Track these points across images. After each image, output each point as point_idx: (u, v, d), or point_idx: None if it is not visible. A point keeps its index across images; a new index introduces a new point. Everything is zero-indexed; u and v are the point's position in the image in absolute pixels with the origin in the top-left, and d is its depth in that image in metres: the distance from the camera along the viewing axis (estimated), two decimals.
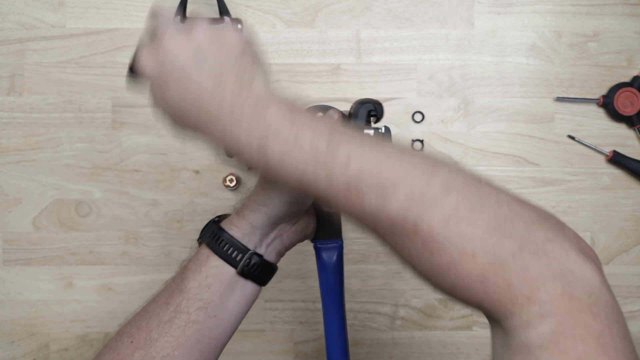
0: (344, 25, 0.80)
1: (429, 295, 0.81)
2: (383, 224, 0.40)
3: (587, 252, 0.37)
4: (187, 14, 0.78)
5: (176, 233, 0.81)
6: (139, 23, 0.80)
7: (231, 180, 0.79)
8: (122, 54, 0.80)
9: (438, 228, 0.37)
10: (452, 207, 0.38)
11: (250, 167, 0.49)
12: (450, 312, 0.81)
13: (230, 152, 0.48)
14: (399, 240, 0.40)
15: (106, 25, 0.80)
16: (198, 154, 0.80)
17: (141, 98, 0.80)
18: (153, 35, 0.50)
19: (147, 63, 0.49)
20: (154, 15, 0.52)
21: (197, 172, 0.81)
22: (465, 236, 0.37)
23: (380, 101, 0.60)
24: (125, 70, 0.51)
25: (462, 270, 0.37)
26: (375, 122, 0.62)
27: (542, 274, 0.35)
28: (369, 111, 0.60)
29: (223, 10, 0.77)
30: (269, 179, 0.59)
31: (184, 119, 0.48)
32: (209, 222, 0.61)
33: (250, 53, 0.51)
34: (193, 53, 0.48)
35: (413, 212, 0.38)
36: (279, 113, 0.45)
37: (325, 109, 0.66)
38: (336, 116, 0.62)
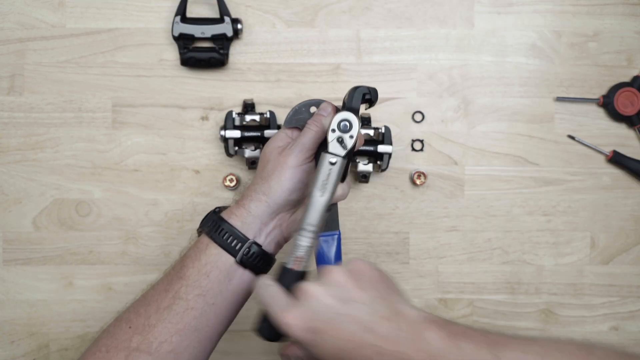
0: (344, 25, 0.80)
1: (429, 295, 0.81)
2: None
3: None
4: (187, 13, 0.78)
5: (176, 233, 0.81)
6: (139, 23, 0.80)
7: (231, 180, 0.79)
8: (122, 54, 0.80)
9: None
10: None
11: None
12: (450, 312, 0.81)
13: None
14: None
15: (106, 25, 0.80)
16: (198, 154, 0.80)
17: (141, 98, 0.80)
18: (296, 295, 0.50)
19: (294, 325, 0.49)
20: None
21: (197, 172, 0.81)
22: None
23: (380, 100, 0.61)
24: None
25: None
26: (369, 106, 0.62)
27: None
28: (363, 94, 0.60)
29: (223, 10, 0.77)
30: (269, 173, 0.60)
31: (347, 357, 0.49)
32: (209, 212, 0.62)
33: (387, 281, 0.53)
34: (339, 299, 0.49)
35: None
36: (436, 333, 0.46)
37: (318, 103, 0.66)
38: (329, 109, 0.63)
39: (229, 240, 0.57)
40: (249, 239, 0.57)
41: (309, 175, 0.60)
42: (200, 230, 0.61)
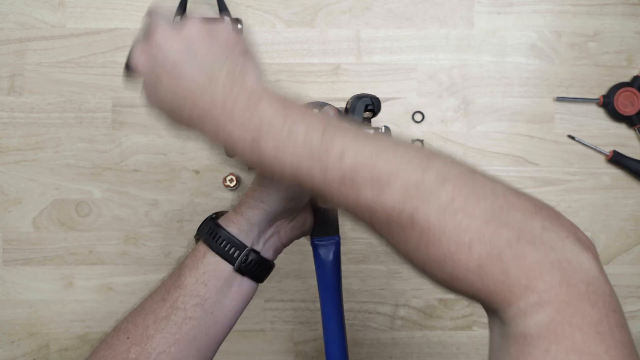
0: (344, 25, 0.80)
1: (429, 295, 0.81)
2: (379, 217, 0.40)
3: (584, 241, 0.37)
4: (187, 13, 0.78)
5: (176, 233, 0.81)
6: (139, 23, 0.79)
7: (231, 180, 0.79)
8: (122, 54, 0.80)
9: (434, 219, 0.37)
10: (448, 198, 0.37)
11: (245, 163, 0.49)
12: (450, 312, 0.81)
13: (224, 147, 0.48)
14: (395, 233, 0.40)
15: (106, 25, 0.80)
16: (198, 154, 0.80)
17: (141, 98, 0.80)
18: (146, 31, 0.50)
19: (140, 59, 0.49)
20: (150, 13, 0.52)
21: (197, 172, 0.81)
22: (462, 227, 0.36)
23: (380, 100, 0.60)
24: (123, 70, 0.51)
25: (459, 262, 0.37)
26: (373, 116, 0.62)
27: (539, 263, 0.34)
28: (366, 105, 0.59)
29: (223, 10, 0.77)
30: (266, 175, 0.59)
31: (177, 116, 0.48)
32: (206, 218, 0.61)
33: (242, 48, 0.50)
34: (184, 48, 0.48)
35: (409, 204, 0.38)
36: (271, 107, 0.44)
37: (321, 105, 0.65)
38: (332, 112, 0.62)
39: (226, 248, 0.57)
40: (246, 247, 0.57)
41: None
42: (197, 237, 0.61)
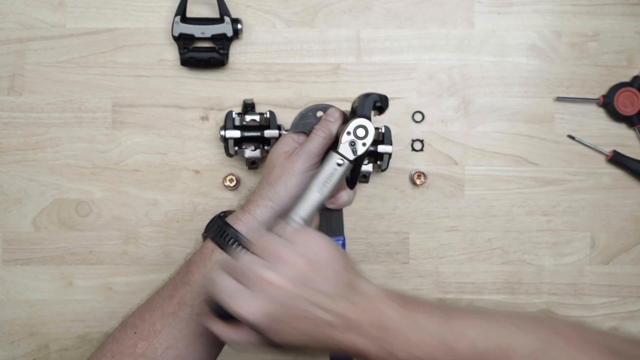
0: (344, 25, 0.80)
1: (429, 295, 0.81)
2: None
3: None
4: (187, 13, 0.78)
5: (176, 233, 0.81)
6: (139, 23, 0.80)
7: (231, 180, 0.79)
8: (122, 54, 0.80)
9: None
10: (569, 349, 0.43)
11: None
12: None
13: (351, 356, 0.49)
14: None
15: (106, 25, 0.80)
16: (198, 154, 0.80)
17: (141, 98, 0.80)
18: (248, 279, 0.49)
19: (251, 312, 0.48)
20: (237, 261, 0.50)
21: (197, 172, 0.81)
22: None
23: (388, 97, 0.60)
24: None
25: None
26: (380, 113, 0.62)
27: None
28: (374, 102, 0.59)
29: (223, 10, 0.77)
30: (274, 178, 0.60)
31: (303, 346, 0.49)
32: (215, 217, 0.61)
33: (343, 257, 0.52)
34: (298, 286, 0.48)
35: None
36: (391, 306, 0.48)
37: (325, 108, 0.66)
38: (337, 114, 0.63)
39: (234, 246, 0.57)
40: None
41: None
42: (205, 235, 0.61)
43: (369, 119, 0.58)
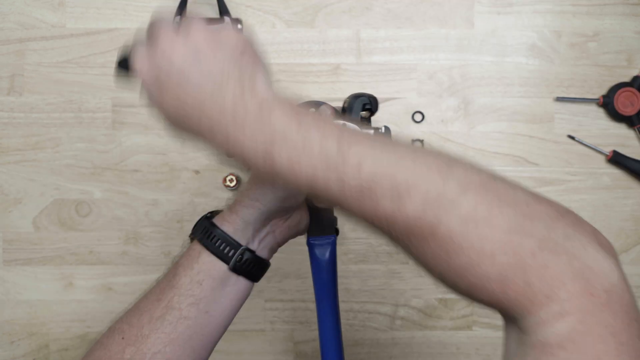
0: (344, 25, 0.80)
1: (429, 295, 0.81)
2: (399, 227, 0.39)
3: (606, 247, 0.36)
4: (187, 14, 0.78)
5: (176, 233, 0.81)
6: (139, 23, 0.80)
7: (231, 180, 0.79)
8: None
9: (456, 229, 0.37)
10: (470, 207, 0.37)
11: (254, 171, 0.48)
12: (450, 312, 0.81)
13: (233, 157, 0.46)
14: (415, 243, 0.39)
15: (106, 25, 0.80)
16: (198, 154, 0.80)
17: (142, 99, 0.80)
18: (150, 36, 0.48)
19: (143, 65, 0.48)
20: (153, 17, 0.51)
21: (197, 172, 0.81)
22: (484, 237, 0.36)
23: (380, 100, 0.60)
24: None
25: (480, 271, 0.36)
26: (370, 115, 0.62)
27: (562, 273, 0.34)
28: (363, 104, 0.59)
29: (223, 10, 0.77)
30: (275, 181, 0.59)
31: (183, 123, 0.47)
32: (201, 218, 0.61)
33: (251, 53, 0.49)
34: (191, 55, 0.46)
35: (430, 214, 0.37)
36: (284, 116, 0.43)
37: (317, 104, 0.65)
38: (329, 111, 0.62)
39: (221, 247, 0.56)
40: (241, 246, 0.57)
41: None
42: (192, 237, 0.61)
43: (358, 122, 0.58)
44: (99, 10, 0.80)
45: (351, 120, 0.57)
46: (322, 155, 0.41)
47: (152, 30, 0.48)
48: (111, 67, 0.80)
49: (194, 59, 0.46)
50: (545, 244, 0.35)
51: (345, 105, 0.60)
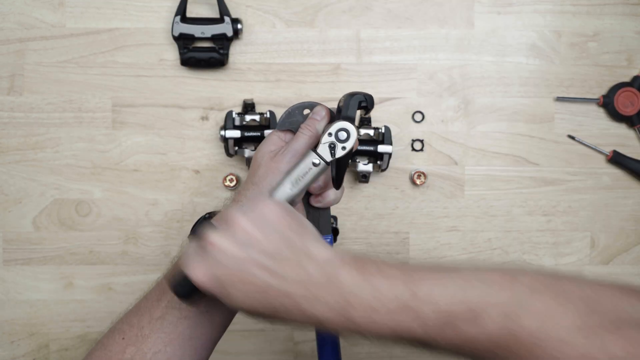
0: (344, 25, 0.80)
1: None
2: (482, 345, 0.41)
3: None
4: (187, 13, 0.78)
5: (176, 233, 0.81)
6: (139, 23, 0.80)
7: (231, 180, 0.79)
8: (122, 54, 0.80)
9: (533, 326, 0.39)
10: (542, 304, 0.40)
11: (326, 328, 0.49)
12: None
13: (311, 325, 0.48)
14: (500, 355, 0.41)
15: (106, 25, 0.80)
16: (198, 154, 0.80)
17: (141, 98, 0.80)
18: (197, 247, 0.49)
19: (201, 276, 0.48)
20: (193, 233, 0.51)
21: (197, 172, 0.81)
22: (560, 328, 0.39)
23: (380, 100, 0.60)
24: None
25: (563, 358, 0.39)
26: (366, 113, 0.61)
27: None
28: (359, 102, 0.58)
29: (223, 10, 0.77)
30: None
31: (257, 311, 0.48)
32: (200, 218, 0.61)
33: (296, 221, 0.50)
34: (243, 250, 0.47)
35: (509, 323, 0.40)
36: (349, 274, 0.45)
37: (311, 105, 0.65)
38: (323, 112, 0.62)
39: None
40: None
41: None
42: (191, 237, 0.61)
43: (353, 120, 0.57)
44: (99, 10, 0.79)
45: (348, 119, 0.57)
46: (396, 302, 0.43)
47: (197, 242, 0.49)
48: (111, 67, 0.80)
49: (247, 252, 0.47)
50: (618, 331, 0.38)
51: (341, 104, 0.60)
